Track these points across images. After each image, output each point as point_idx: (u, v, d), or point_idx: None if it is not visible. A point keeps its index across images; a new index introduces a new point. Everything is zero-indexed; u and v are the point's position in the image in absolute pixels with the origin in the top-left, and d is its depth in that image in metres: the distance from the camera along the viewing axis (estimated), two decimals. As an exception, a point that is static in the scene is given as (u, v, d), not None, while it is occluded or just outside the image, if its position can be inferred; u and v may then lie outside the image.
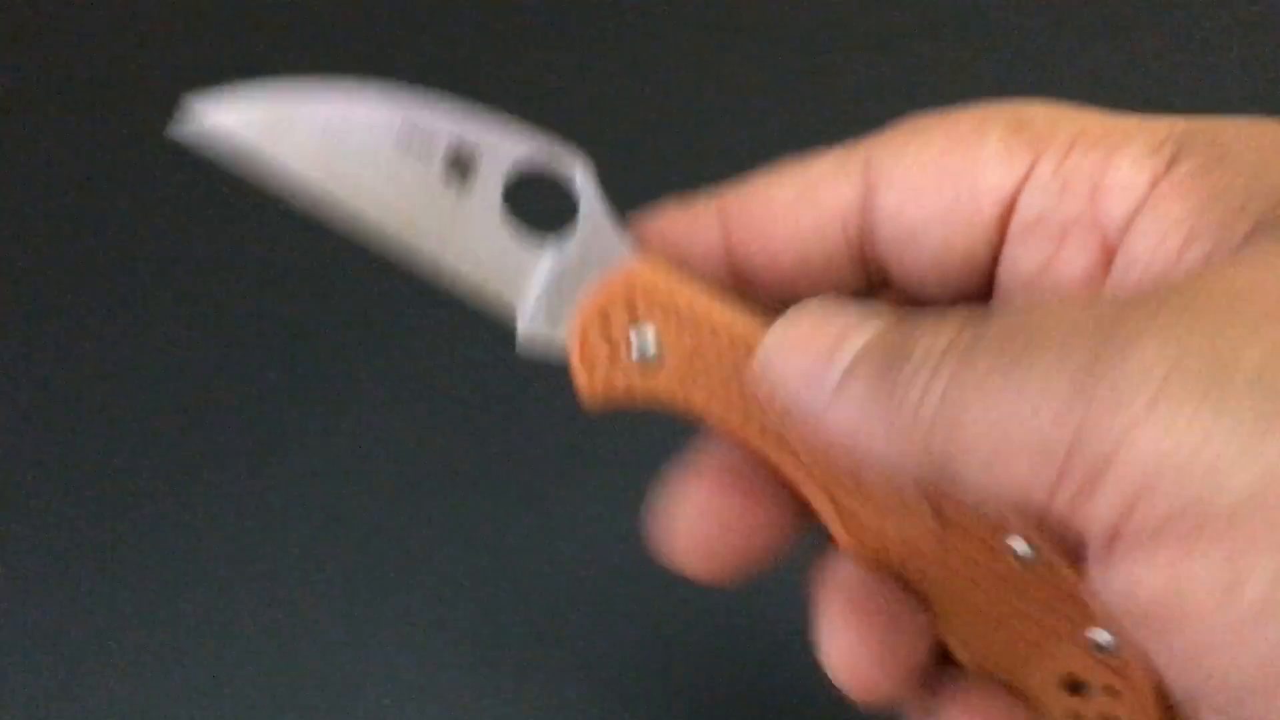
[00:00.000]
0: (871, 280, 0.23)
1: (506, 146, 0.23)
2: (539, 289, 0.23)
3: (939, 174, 0.21)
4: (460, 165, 0.24)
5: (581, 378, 0.23)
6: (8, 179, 0.49)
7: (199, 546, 0.41)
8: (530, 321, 0.23)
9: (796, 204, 0.23)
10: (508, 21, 0.52)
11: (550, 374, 0.43)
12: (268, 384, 0.44)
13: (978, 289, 0.22)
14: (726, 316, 0.22)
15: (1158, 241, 0.19)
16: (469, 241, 0.24)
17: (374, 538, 0.41)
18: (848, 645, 0.22)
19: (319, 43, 0.52)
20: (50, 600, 0.40)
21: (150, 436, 0.43)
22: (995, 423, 0.17)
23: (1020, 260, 0.21)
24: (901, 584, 0.22)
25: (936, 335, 0.18)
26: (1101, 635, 0.21)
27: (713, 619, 0.38)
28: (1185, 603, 0.15)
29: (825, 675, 0.22)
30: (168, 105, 0.51)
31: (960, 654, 0.23)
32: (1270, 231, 0.17)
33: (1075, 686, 0.22)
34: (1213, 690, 0.16)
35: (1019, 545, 0.21)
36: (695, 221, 0.23)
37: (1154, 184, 0.20)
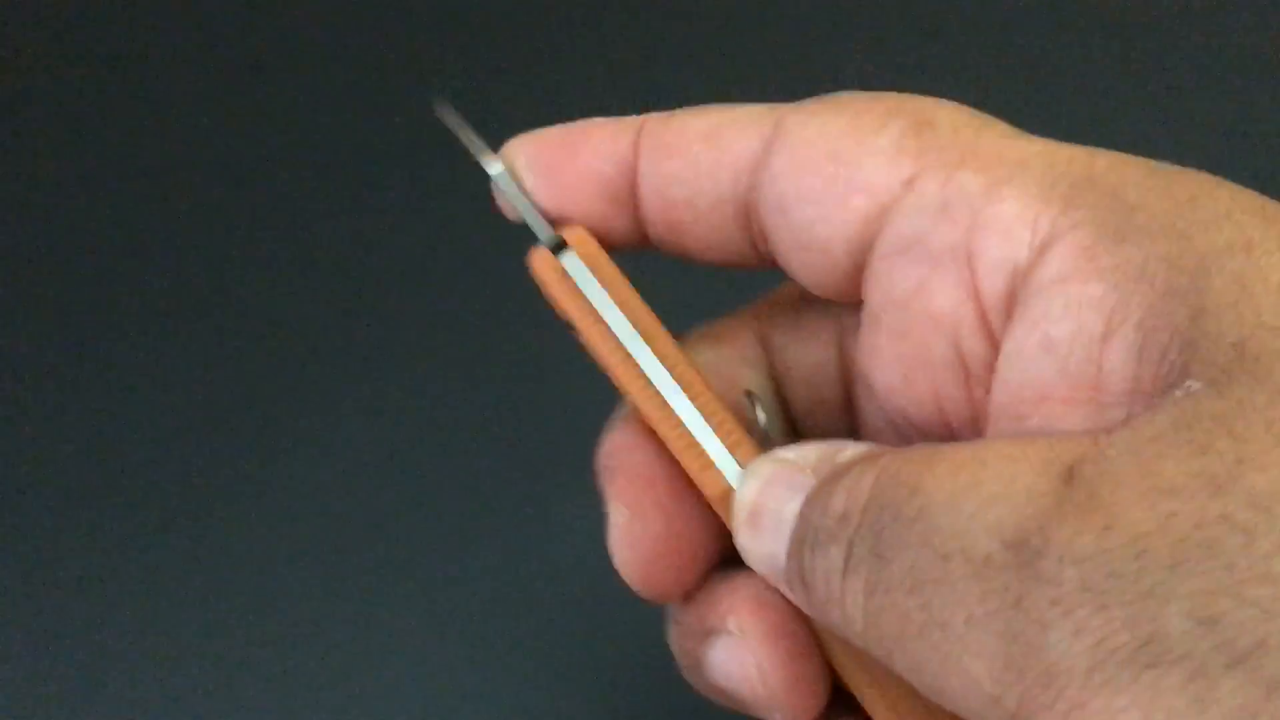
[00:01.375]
0: (755, 246, 0.22)
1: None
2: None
3: (826, 154, 0.20)
4: None
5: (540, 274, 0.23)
6: (8, 179, 0.49)
7: (199, 547, 0.41)
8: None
9: (703, 140, 0.22)
10: (508, 20, 0.52)
11: (551, 375, 0.43)
12: (268, 385, 0.44)
13: (845, 291, 0.21)
14: (608, 350, 0.22)
15: (1075, 328, 0.18)
16: None
17: (374, 539, 0.41)
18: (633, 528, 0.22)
19: (319, 42, 0.52)
20: (50, 600, 0.40)
21: (150, 436, 0.43)
22: (927, 687, 0.17)
23: (893, 278, 0.20)
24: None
25: (834, 537, 0.18)
26: None
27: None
28: None
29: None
30: (168, 105, 0.51)
31: None
32: (1202, 390, 0.16)
33: None
34: None
35: None
36: (618, 133, 0.22)
37: (1042, 240, 0.18)
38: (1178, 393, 0.16)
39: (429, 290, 0.46)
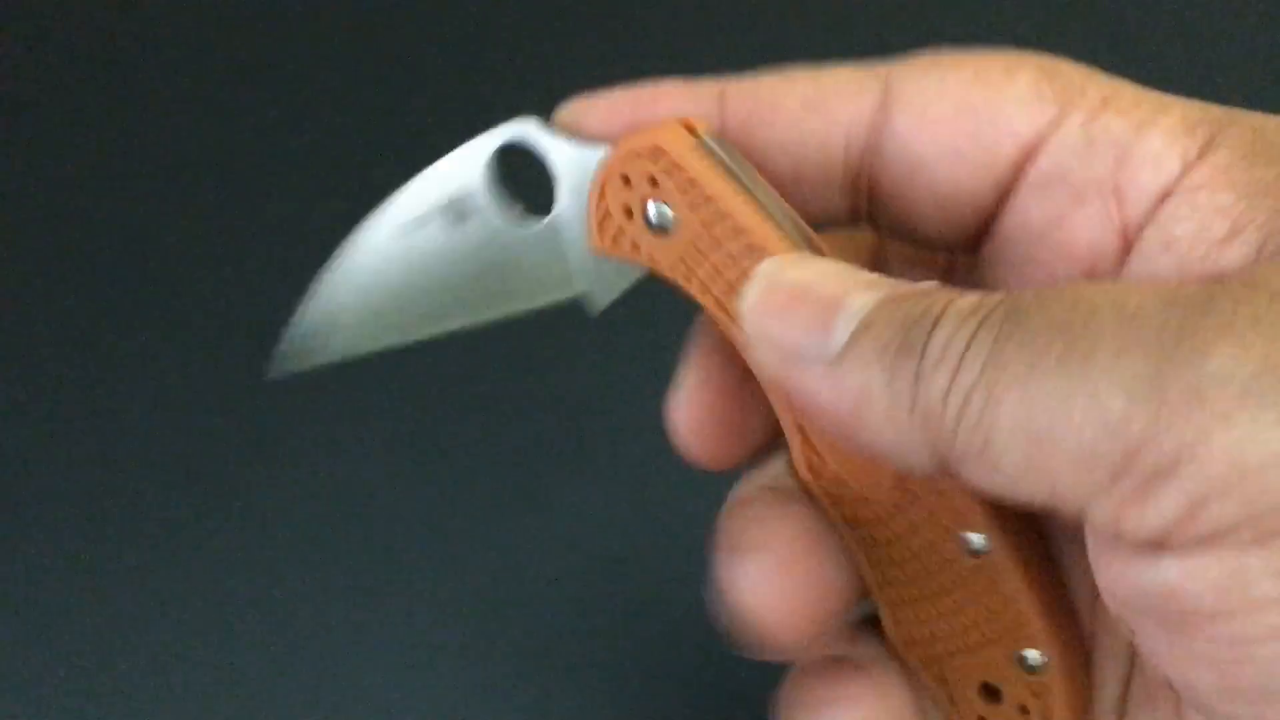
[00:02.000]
0: (857, 211, 0.22)
1: (470, 161, 0.23)
2: (574, 253, 0.23)
3: (961, 106, 0.20)
4: (455, 207, 0.23)
5: (589, 232, 0.22)
6: (8, 179, 0.49)
7: (198, 547, 0.41)
8: (589, 283, 0.23)
9: (805, 108, 0.21)
10: (507, 19, 0.52)
11: (551, 374, 0.43)
12: (268, 383, 0.44)
13: (971, 236, 0.21)
14: (749, 219, 0.21)
15: (1198, 228, 0.18)
16: (509, 268, 0.24)
17: (373, 537, 0.41)
18: (776, 580, 0.21)
19: (318, 42, 0.52)
20: (49, 600, 0.40)
21: (150, 436, 0.43)
22: (1036, 426, 0.16)
23: (1030, 213, 0.20)
24: (849, 534, 0.22)
25: (964, 316, 0.17)
26: (1031, 654, 0.21)
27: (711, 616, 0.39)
28: (1241, 600, 0.15)
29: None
30: (168, 105, 0.51)
31: (888, 627, 0.22)
32: None
33: (990, 693, 0.22)
34: (1228, 688, 0.16)
35: (975, 539, 0.20)
36: (693, 100, 0.22)
37: (1186, 165, 0.19)
38: None
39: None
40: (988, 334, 0.17)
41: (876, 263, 0.24)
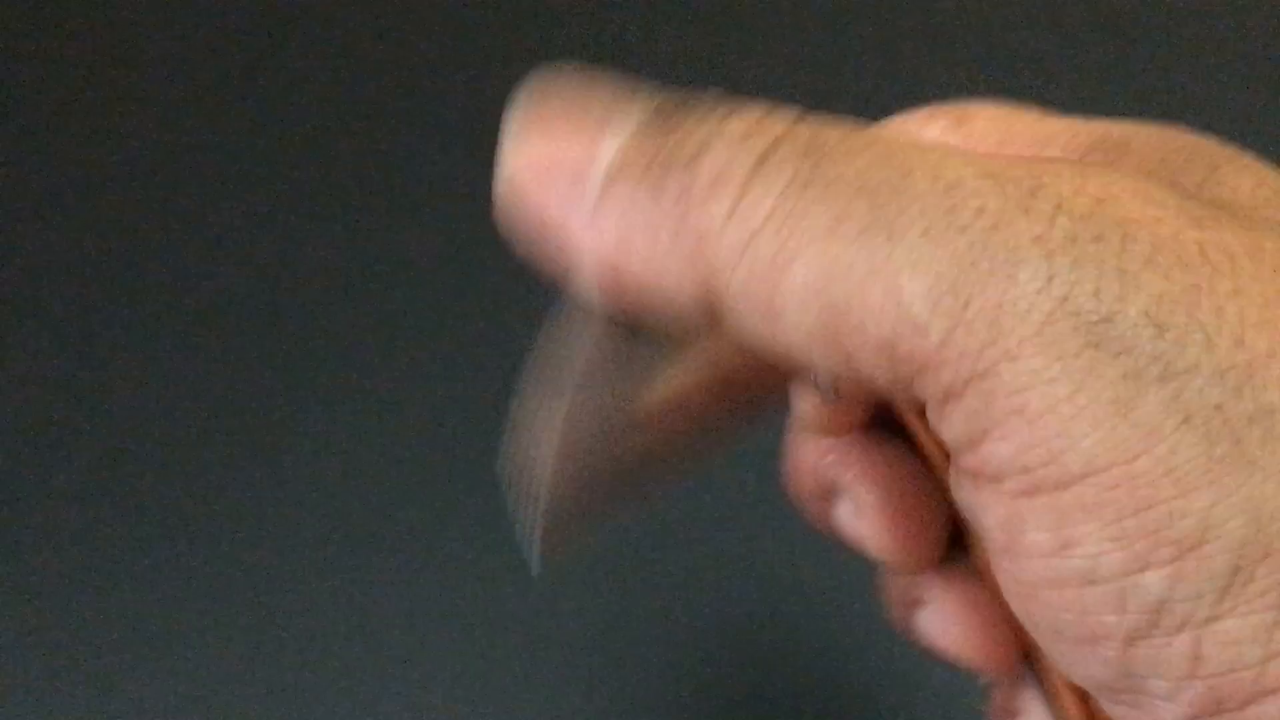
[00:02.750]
0: None
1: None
2: None
3: None
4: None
5: None
6: (8, 179, 0.49)
7: (198, 547, 0.41)
8: None
9: None
10: (508, 20, 0.52)
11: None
12: (268, 383, 0.44)
13: None
14: None
15: None
16: None
17: (374, 536, 0.41)
18: (887, 511, 0.20)
19: (317, 42, 0.52)
20: (49, 600, 0.40)
21: (150, 436, 0.43)
22: (833, 295, 0.14)
23: None
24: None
25: (741, 139, 0.15)
26: None
27: (713, 619, 0.38)
28: (1018, 543, 0.15)
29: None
30: (167, 105, 0.51)
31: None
32: None
33: None
34: (1032, 626, 0.16)
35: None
36: None
37: None
38: None
39: (428, 290, 0.45)
40: (780, 170, 0.15)
41: None
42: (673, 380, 0.19)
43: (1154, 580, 0.14)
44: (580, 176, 0.16)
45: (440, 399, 0.43)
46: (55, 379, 0.44)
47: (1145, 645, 0.14)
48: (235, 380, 0.44)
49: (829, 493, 0.21)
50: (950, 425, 0.15)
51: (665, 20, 0.52)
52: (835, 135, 0.15)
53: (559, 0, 0.52)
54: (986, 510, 0.15)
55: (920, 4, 0.52)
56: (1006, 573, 0.15)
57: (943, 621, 0.20)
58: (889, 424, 0.20)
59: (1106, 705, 0.16)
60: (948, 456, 0.16)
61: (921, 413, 0.16)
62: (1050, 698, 0.20)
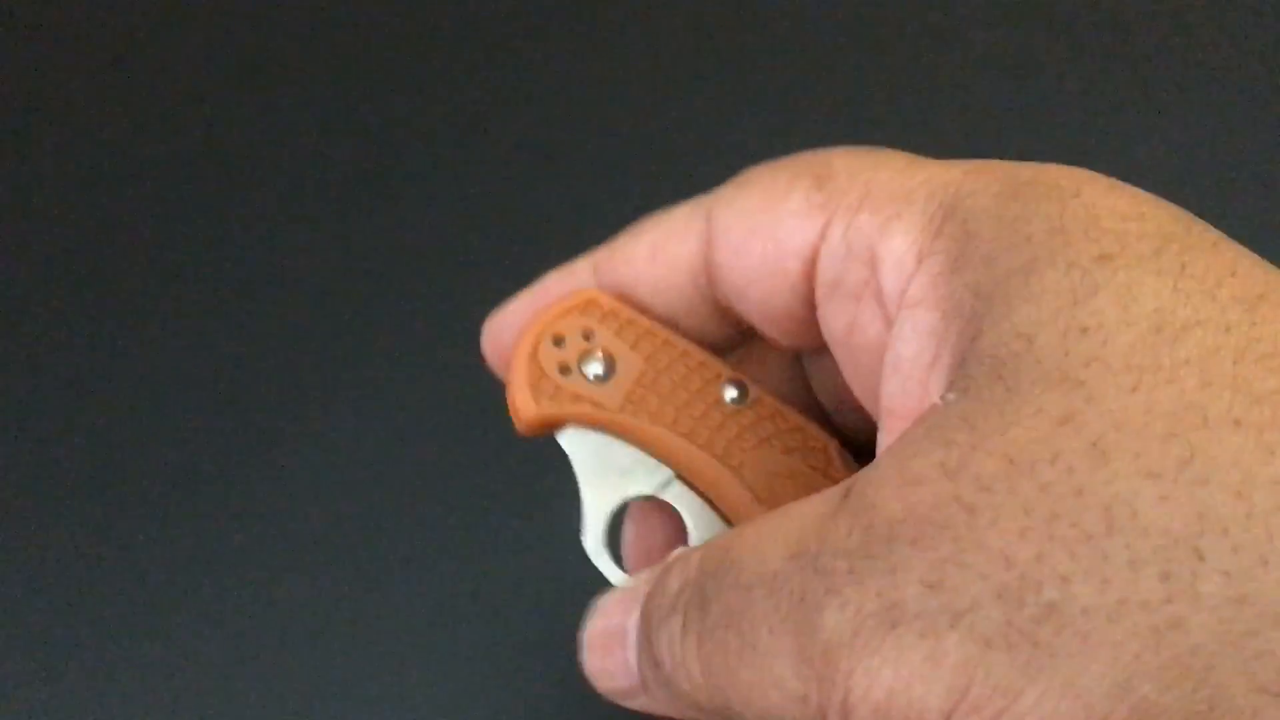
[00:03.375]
0: (740, 327, 0.24)
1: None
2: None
3: (752, 230, 0.22)
4: None
5: (522, 396, 0.23)
6: (8, 178, 0.49)
7: (197, 548, 0.41)
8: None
9: (651, 260, 0.23)
10: (504, 22, 0.52)
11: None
12: (267, 385, 0.44)
13: (813, 340, 0.23)
14: (691, 345, 0.23)
15: (916, 351, 0.19)
16: None
17: (373, 538, 0.41)
18: None
19: (317, 42, 0.52)
20: (49, 600, 0.40)
21: (149, 437, 0.43)
22: (749, 689, 0.18)
23: (830, 320, 0.22)
24: None
25: (667, 614, 0.19)
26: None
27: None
28: None
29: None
30: (168, 104, 0.51)
31: None
32: (955, 393, 0.17)
33: None
34: None
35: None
36: (573, 279, 0.24)
37: (910, 274, 0.19)
38: (938, 402, 0.18)
39: (427, 290, 0.46)
40: (690, 635, 0.19)
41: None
42: None
43: None
44: (621, 659, 0.21)
45: (440, 398, 0.43)
46: (55, 378, 0.44)
47: None
48: (235, 380, 0.44)
49: None
50: None
51: (665, 21, 0.52)
52: (709, 573, 0.19)
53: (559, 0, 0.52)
54: None
55: (920, 4, 0.52)
56: None
57: None
58: None
59: None
60: None
61: None
62: None
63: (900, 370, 0.19)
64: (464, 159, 0.48)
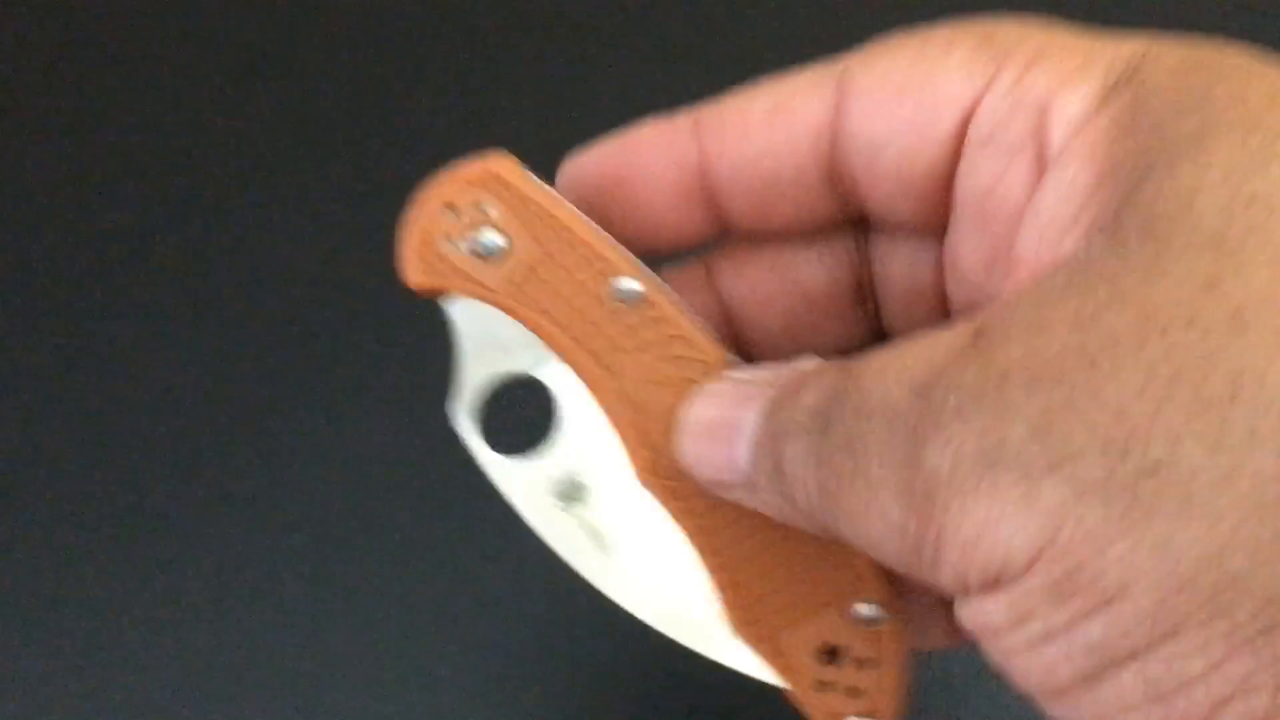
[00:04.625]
0: (845, 203, 0.23)
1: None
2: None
3: (903, 84, 0.21)
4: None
5: (407, 262, 0.23)
6: (8, 178, 0.49)
7: (197, 549, 0.41)
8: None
9: (771, 118, 0.22)
10: (501, 23, 0.53)
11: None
12: (269, 387, 0.44)
13: (940, 206, 0.22)
14: (589, 233, 0.22)
15: (1056, 206, 0.19)
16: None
17: (374, 540, 0.41)
18: None
19: (317, 42, 0.52)
20: (48, 600, 0.40)
21: (149, 437, 0.43)
22: (855, 525, 0.18)
23: (972, 176, 0.21)
24: (688, 524, 0.23)
25: (801, 428, 0.19)
26: (865, 608, 0.22)
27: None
28: (990, 632, 0.18)
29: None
30: (168, 104, 0.51)
31: (727, 615, 0.23)
32: (1094, 248, 0.17)
33: (830, 655, 0.23)
34: (1020, 685, 0.18)
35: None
36: (673, 135, 0.23)
37: (1088, 122, 0.19)
38: (1080, 252, 0.17)
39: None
40: (812, 455, 0.19)
41: (717, 288, 0.25)
42: None
43: (1094, 628, 0.16)
44: (733, 448, 0.21)
45: (440, 398, 0.43)
46: (55, 378, 0.44)
47: (1102, 687, 0.16)
48: (235, 379, 0.44)
49: None
50: (944, 583, 0.18)
51: (664, 21, 0.52)
52: (831, 400, 0.19)
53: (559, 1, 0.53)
54: (975, 623, 0.18)
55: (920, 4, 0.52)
56: (1004, 659, 0.18)
57: None
58: None
59: None
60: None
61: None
62: None
63: (1041, 220, 0.19)
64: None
